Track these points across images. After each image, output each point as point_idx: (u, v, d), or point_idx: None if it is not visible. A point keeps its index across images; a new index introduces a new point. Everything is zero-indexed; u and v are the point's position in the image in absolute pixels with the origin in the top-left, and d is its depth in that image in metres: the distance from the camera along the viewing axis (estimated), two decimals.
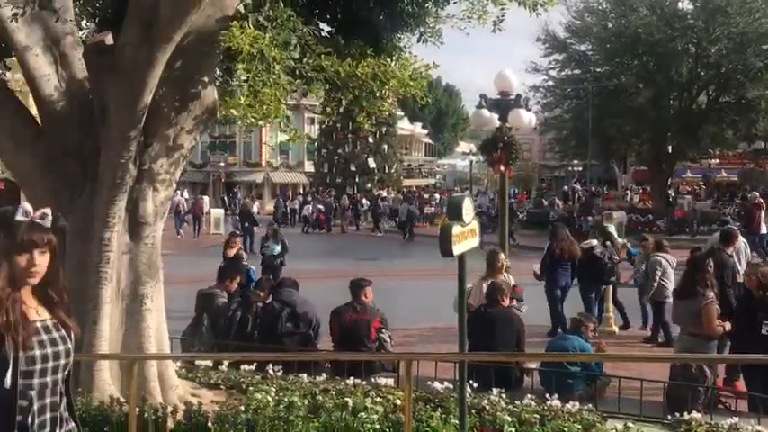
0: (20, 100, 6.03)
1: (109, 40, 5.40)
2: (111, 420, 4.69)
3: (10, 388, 2.24)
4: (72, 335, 2.47)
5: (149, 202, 5.74)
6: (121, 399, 5.05)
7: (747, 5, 24.24)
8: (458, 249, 4.56)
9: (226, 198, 45.31)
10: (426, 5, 7.02)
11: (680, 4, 27.18)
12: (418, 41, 7.34)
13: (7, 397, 2.24)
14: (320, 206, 35.74)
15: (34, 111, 5.98)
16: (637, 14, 25.87)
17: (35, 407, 2.31)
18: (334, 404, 5.29)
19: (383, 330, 7.09)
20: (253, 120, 5.12)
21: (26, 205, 2.50)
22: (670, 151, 28.20)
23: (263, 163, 51.42)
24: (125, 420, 4.56)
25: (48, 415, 2.36)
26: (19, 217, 2.39)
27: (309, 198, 39.04)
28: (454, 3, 6.90)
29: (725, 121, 27.05)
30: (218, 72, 6.31)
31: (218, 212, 33.76)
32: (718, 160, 39.25)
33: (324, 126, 42.29)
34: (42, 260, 2.39)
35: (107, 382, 5.32)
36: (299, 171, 51.72)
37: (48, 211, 2.48)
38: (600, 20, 28.48)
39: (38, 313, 2.41)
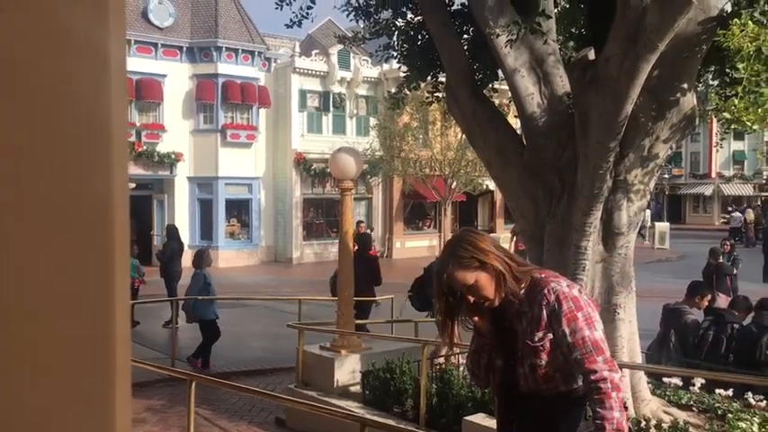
0: (505, 118, 6.66)
1: (591, 55, 5.60)
2: None
3: None
4: None
5: (624, 213, 5.76)
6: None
7: None
8: None
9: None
10: None
11: None
12: None
13: None
14: None
15: (517, 127, 6.56)
16: None
17: None
18: None
19: None
20: (748, 123, 4.74)
21: None
22: None
23: (713, 174, 47.54)
24: None
25: None
26: None
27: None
28: None
29: None
30: None
31: (662, 226, 32.39)
32: None
33: None
34: None
35: None
36: (757, 182, 46.39)
37: None
38: None
39: None
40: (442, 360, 6.60)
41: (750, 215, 34.79)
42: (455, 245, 2.59)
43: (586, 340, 2.50)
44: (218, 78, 24.49)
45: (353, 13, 7.19)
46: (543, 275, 2.62)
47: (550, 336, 2.55)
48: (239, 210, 26.11)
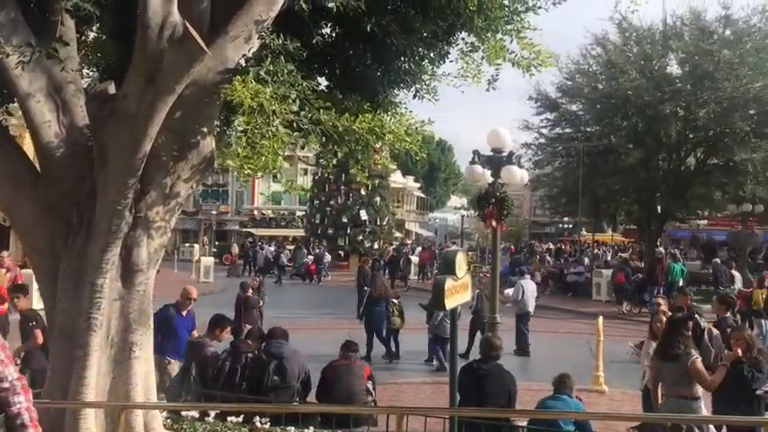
0: (19, 144, 6.08)
1: (111, 89, 5.49)
2: None
3: None
4: None
5: (144, 249, 5.74)
6: None
7: (734, 71, 24.71)
8: (450, 303, 4.59)
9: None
10: (423, 63, 7.20)
11: (669, 69, 27.65)
12: (414, 98, 7.49)
13: None
14: (311, 256, 36.02)
15: (32, 155, 6.04)
16: (627, 77, 26.30)
17: None
18: None
19: (370, 380, 7.14)
20: (250, 171, 5.18)
21: None
22: (659, 211, 28.32)
23: (255, 212, 51.51)
24: None
25: None
26: None
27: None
28: (450, 62, 7.06)
29: (713, 182, 27.26)
30: (215, 122, 6.40)
31: (207, 261, 33.60)
32: (706, 221, 39.62)
33: (317, 177, 42.57)
34: None
35: (91, 430, 5.22)
36: (292, 221, 51.87)
37: None
38: (590, 81, 28.91)
39: None
40: None
41: (234, 248, 40.39)
42: None
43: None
44: None
45: None
46: None
47: None
48: None
